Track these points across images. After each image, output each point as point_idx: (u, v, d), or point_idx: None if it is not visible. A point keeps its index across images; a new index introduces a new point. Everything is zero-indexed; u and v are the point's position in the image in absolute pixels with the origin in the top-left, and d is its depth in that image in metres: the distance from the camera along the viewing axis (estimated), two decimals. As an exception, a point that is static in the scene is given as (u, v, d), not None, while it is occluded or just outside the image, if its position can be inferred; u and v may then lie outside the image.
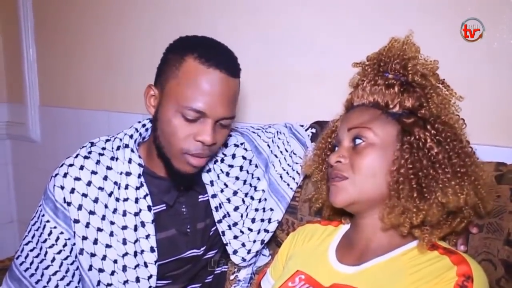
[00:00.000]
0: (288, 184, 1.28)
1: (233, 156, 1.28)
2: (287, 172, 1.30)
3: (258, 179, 1.29)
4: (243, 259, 1.22)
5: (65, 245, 1.10)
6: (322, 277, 0.95)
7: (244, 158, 1.29)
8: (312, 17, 1.45)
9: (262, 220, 1.25)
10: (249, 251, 1.22)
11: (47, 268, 1.10)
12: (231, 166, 1.26)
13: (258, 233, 1.24)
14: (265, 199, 1.27)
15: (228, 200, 1.23)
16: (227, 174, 1.25)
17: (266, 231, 1.25)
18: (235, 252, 1.22)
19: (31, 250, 1.12)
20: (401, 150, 0.91)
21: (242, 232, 1.23)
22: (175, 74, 1.06)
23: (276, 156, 1.31)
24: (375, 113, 0.96)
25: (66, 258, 1.11)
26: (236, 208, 1.23)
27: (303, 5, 1.45)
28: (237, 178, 1.26)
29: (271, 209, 1.26)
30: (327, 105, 1.20)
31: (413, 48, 0.99)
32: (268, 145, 1.33)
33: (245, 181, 1.28)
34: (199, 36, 1.13)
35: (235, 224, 1.23)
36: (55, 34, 2.30)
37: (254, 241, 1.23)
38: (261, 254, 1.31)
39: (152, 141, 1.14)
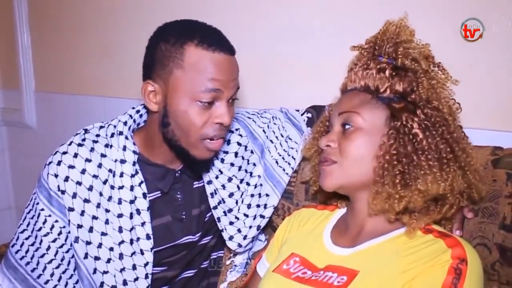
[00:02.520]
0: (284, 170, 1.28)
1: (228, 142, 1.27)
2: (282, 158, 1.30)
3: (254, 164, 1.28)
4: (239, 245, 1.23)
5: (60, 233, 1.10)
6: (316, 259, 0.96)
7: (239, 144, 1.28)
8: (310, 3, 1.44)
9: (258, 206, 1.26)
10: (245, 237, 1.23)
11: (42, 256, 1.10)
12: (225, 152, 1.26)
13: (254, 218, 1.24)
14: (261, 185, 1.27)
15: (223, 186, 1.23)
16: (222, 160, 1.25)
17: (262, 216, 1.25)
18: (231, 238, 1.22)
19: (26, 239, 1.12)
20: (387, 136, 0.92)
21: (237, 218, 1.23)
22: (179, 65, 1.05)
23: (271, 141, 1.31)
24: (365, 98, 0.97)
25: (61, 246, 1.11)
26: (231, 195, 1.23)
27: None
28: (232, 164, 1.26)
29: (267, 195, 1.26)
30: (326, 91, 1.19)
31: (407, 31, 0.99)
32: (263, 131, 1.32)
33: (240, 167, 1.27)
34: (187, 20, 1.12)
35: (230, 210, 1.23)
36: (50, 19, 2.27)
37: (250, 227, 1.24)
38: (257, 240, 1.31)
39: (155, 132, 1.13)
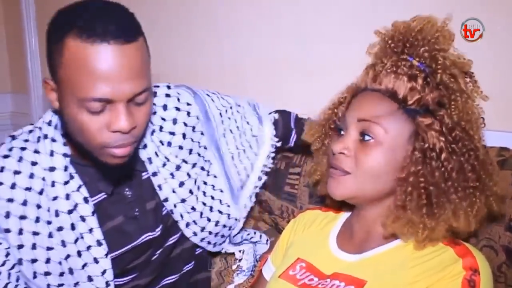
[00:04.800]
0: (245, 168, 1.19)
1: (174, 121, 1.09)
2: (243, 151, 1.20)
3: (205, 148, 1.14)
4: (194, 233, 1.13)
5: (7, 254, 1.00)
6: (322, 265, 0.93)
7: (185, 124, 1.10)
8: (312, 5, 1.44)
9: (213, 198, 1.15)
10: (202, 229, 1.13)
11: None
12: (172, 133, 1.09)
13: (211, 210, 1.14)
14: (215, 176, 1.16)
15: (172, 175, 1.08)
16: (169, 144, 1.08)
17: (220, 212, 1.15)
18: (187, 225, 1.11)
19: None
20: (412, 157, 0.84)
21: (193, 208, 1.11)
22: (60, 62, 0.86)
23: (231, 131, 1.19)
24: (391, 107, 0.87)
25: (12, 267, 1.01)
26: (181, 184, 1.09)
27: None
28: (180, 148, 1.10)
29: (221, 191, 1.16)
30: (330, 92, 1.19)
31: (447, 36, 0.90)
32: (220, 114, 1.17)
33: (191, 150, 1.11)
34: (79, 4, 0.91)
35: (184, 200, 1.10)
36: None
37: (209, 220, 1.14)
38: (257, 243, 1.26)
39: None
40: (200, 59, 1.67)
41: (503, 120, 1.17)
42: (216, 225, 1.16)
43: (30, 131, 1.03)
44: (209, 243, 1.18)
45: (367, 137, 0.87)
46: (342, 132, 0.92)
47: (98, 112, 0.86)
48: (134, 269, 1.10)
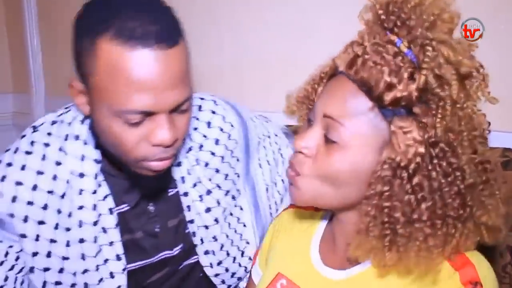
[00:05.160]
0: (275, 203, 1.10)
1: (217, 141, 0.99)
2: (275, 184, 1.10)
3: (238, 176, 1.04)
4: (211, 265, 1.02)
5: (17, 258, 0.91)
6: (305, 283, 0.82)
7: (226, 147, 1.01)
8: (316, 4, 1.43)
9: (235, 232, 1.04)
10: (219, 263, 1.02)
11: None
12: (212, 154, 0.99)
13: (232, 244, 1.03)
14: (241, 208, 1.06)
15: (201, 198, 0.98)
16: (206, 164, 0.98)
17: (238, 249, 1.04)
18: (206, 252, 1.01)
19: None
20: (380, 172, 0.69)
21: (215, 238, 1.00)
22: (93, 67, 0.76)
23: (268, 162, 1.09)
24: (364, 105, 0.70)
25: (20, 271, 0.93)
26: (207, 210, 0.99)
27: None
28: (217, 171, 1.00)
29: (244, 225, 1.06)
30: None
31: (447, 20, 0.69)
32: (258, 143, 1.08)
33: (226, 176, 1.01)
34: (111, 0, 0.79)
35: (207, 227, 1.00)
36: (59, 24, 2.28)
37: (228, 254, 1.02)
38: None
39: None
40: (200, 58, 1.67)
41: (506, 120, 1.16)
42: (233, 261, 1.04)
43: (54, 123, 0.91)
44: (223, 282, 1.05)
45: (330, 139, 0.72)
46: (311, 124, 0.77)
47: (137, 123, 0.77)
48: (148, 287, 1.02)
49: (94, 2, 0.80)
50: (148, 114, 0.76)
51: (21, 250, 0.90)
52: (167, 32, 0.76)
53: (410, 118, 0.68)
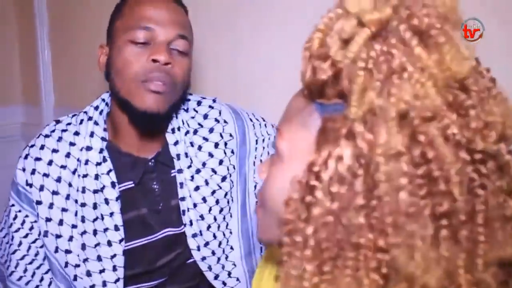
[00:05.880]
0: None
1: (211, 130, 1.13)
2: None
3: (234, 168, 1.14)
4: (198, 248, 1.09)
5: (31, 228, 1.06)
6: None
7: (221, 136, 1.14)
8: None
9: (224, 220, 1.13)
10: (206, 244, 1.10)
11: (14, 252, 1.07)
12: (205, 139, 1.12)
13: (218, 229, 1.12)
14: (231, 216, 1.14)
15: (192, 177, 1.09)
16: (199, 147, 1.12)
17: (228, 230, 1.13)
18: (194, 235, 1.09)
19: (4, 237, 1.11)
20: (294, 183, 0.53)
21: (202, 217, 1.09)
22: (119, 14, 1.07)
23: (261, 161, 1.17)
24: (299, 105, 0.57)
25: (34, 241, 1.07)
26: (196, 188, 1.09)
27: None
28: (210, 155, 1.12)
29: (231, 216, 1.14)
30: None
31: None
32: (256, 141, 1.17)
33: (221, 161, 1.12)
34: None
35: (195, 205, 1.09)
36: (69, 37, 2.33)
37: (214, 237, 1.11)
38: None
39: (116, 110, 1.07)
40: (212, 71, 1.69)
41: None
42: (219, 246, 1.12)
43: (74, 115, 1.12)
44: (209, 269, 1.11)
45: (273, 154, 0.60)
46: None
47: (142, 45, 1.00)
48: (159, 271, 1.10)
49: None
50: (151, 37, 1.01)
51: (35, 221, 1.05)
52: None
53: (345, 114, 0.50)
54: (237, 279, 1.15)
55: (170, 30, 1.02)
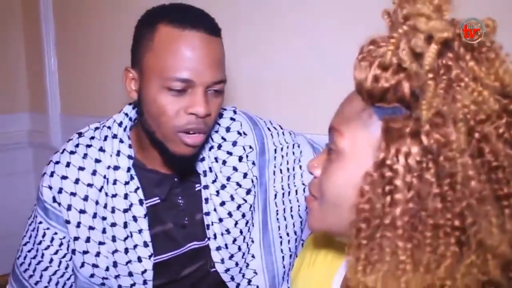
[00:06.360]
0: (284, 209, 1.15)
1: (234, 143, 1.12)
2: (288, 193, 1.15)
3: (257, 178, 1.13)
4: (222, 261, 1.09)
5: (61, 244, 1.06)
6: None
7: (243, 149, 1.13)
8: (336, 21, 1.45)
9: (248, 231, 1.12)
10: (231, 256, 1.10)
11: (46, 269, 1.07)
12: (229, 153, 1.11)
13: (244, 241, 1.10)
14: (253, 209, 1.12)
15: (217, 192, 1.09)
16: (224, 162, 1.11)
17: (248, 244, 1.12)
18: (218, 248, 1.09)
19: (29, 251, 1.10)
20: (367, 177, 0.60)
21: (228, 231, 1.10)
22: (150, 47, 0.95)
23: (281, 171, 1.16)
24: (357, 108, 0.64)
25: (64, 256, 1.07)
26: (222, 203, 1.09)
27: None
28: (235, 169, 1.11)
29: (253, 225, 1.13)
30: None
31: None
32: (275, 150, 1.16)
33: (245, 174, 1.11)
34: (169, 4, 1.03)
35: (221, 220, 1.09)
36: (76, 45, 2.35)
37: (239, 249, 1.10)
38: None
39: (140, 128, 1.04)
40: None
41: None
42: (242, 257, 1.12)
43: (96, 128, 1.09)
44: (232, 279, 1.12)
45: (330, 150, 0.67)
46: None
47: (178, 93, 0.93)
48: (169, 283, 1.10)
49: (154, 7, 1.01)
50: (189, 86, 0.93)
51: (64, 237, 1.05)
52: (212, 25, 0.97)
53: (404, 112, 0.59)
54: (257, 287, 1.15)
55: (208, 76, 0.94)
